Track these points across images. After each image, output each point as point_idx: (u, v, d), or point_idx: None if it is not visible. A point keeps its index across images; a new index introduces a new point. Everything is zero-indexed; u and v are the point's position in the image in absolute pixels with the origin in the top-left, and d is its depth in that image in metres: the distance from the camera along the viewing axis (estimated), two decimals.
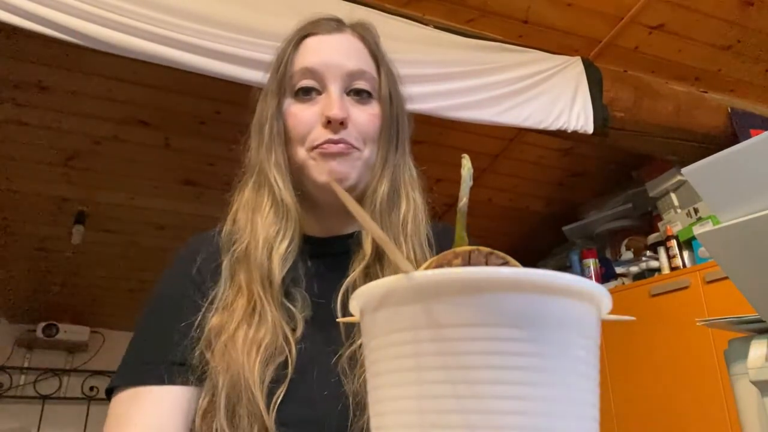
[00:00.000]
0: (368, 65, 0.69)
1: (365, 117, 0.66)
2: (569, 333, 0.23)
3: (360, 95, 0.67)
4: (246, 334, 0.58)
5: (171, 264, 0.69)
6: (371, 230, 0.26)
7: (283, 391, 0.57)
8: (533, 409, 0.22)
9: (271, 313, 0.60)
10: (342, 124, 0.64)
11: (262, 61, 1.45)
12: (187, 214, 2.61)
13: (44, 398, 3.37)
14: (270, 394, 0.57)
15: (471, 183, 0.31)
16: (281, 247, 0.63)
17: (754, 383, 0.78)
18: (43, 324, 3.32)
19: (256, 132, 0.69)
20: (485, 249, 0.29)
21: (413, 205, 0.68)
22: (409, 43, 1.69)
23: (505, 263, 0.28)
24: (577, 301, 0.24)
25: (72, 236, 2.54)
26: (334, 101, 0.64)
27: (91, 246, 2.73)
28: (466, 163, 0.31)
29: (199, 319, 0.61)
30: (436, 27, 1.80)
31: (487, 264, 0.27)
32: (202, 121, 2.17)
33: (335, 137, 0.63)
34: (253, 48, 1.49)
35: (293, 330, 0.61)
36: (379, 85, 0.69)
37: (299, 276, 0.65)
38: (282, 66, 0.68)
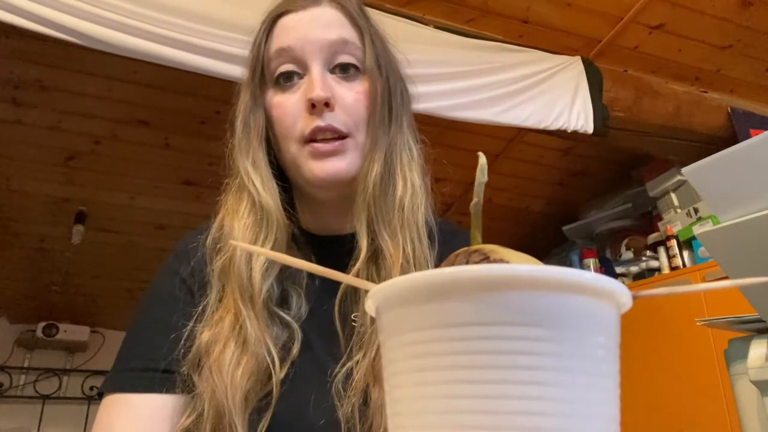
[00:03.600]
0: (350, 35, 0.62)
1: (352, 97, 0.60)
2: (588, 332, 0.23)
3: (346, 71, 0.61)
4: (232, 357, 0.55)
5: (164, 263, 0.65)
6: (314, 270, 0.28)
7: (266, 424, 0.53)
8: (552, 409, 0.22)
9: (254, 335, 0.55)
10: (327, 105, 0.58)
11: None
12: (187, 214, 2.61)
13: (44, 398, 3.36)
14: (253, 426, 0.53)
15: (485, 180, 0.30)
16: (261, 260, 0.58)
17: (754, 383, 0.78)
18: (43, 324, 3.32)
19: (238, 132, 0.64)
20: (471, 248, 0.28)
21: (411, 188, 0.62)
22: (409, 43, 1.69)
23: (485, 258, 0.27)
24: (595, 298, 0.23)
25: (72, 236, 2.54)
26: (315, 81, 0.58)
27: (91, 246, 2.73)
28: (480, 161, 0.30)
29: (188, 329, 0.57)
30: (436, 27, 1.80)
31: (467, 263, 0.27)
32: (202, 121, 2.17)
33: (322, 124, 0.58)
34: None
35: (285, 349, 0.57)
36: (364, 56, 0.62)
37: (297, 276, 0.61)
38: (255, 51, 0.63)
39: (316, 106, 0.58)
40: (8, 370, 3.35)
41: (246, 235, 0.59)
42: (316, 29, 0.61)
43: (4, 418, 3.28)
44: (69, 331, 3.38)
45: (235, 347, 0.55)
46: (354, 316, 0.59)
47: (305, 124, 0.59)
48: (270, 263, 0.58)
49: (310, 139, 0.59)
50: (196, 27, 1.45)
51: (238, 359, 0.54)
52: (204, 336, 0.56)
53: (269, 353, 0.55)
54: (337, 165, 0.59)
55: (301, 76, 0.61)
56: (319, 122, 0.58)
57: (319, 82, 0.58)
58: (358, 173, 0.61)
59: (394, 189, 0.61)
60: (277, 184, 0.63)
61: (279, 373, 0.55)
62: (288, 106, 0.60)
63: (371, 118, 0.61)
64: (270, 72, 0.62)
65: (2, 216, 2.55)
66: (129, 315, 0.66)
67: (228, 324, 0.56)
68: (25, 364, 3.43)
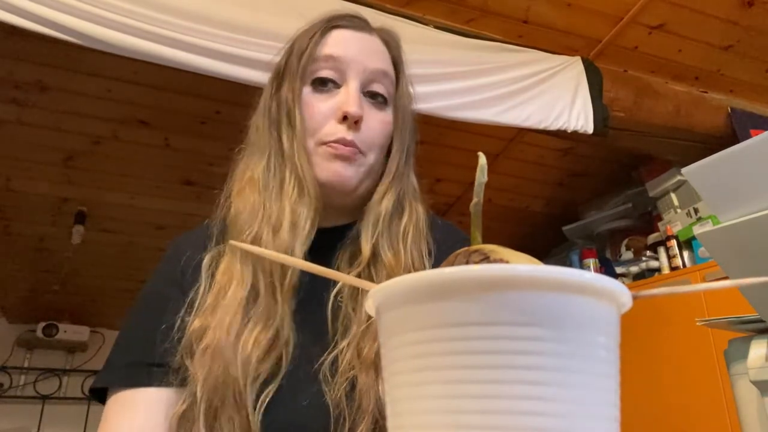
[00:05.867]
0: (389, 69, 0.69)
1: (376, 123, 0.66)
2: (588, 331, 0.23)
3: (375, 98, 0.67)
4: (242, 328, 0.57)
5: (157, 266, 0.68)
6: (320, 272, 0.30)
7: (272, 391, 0.55)
8: (553, 409, 0.22)
9: (280, 307, 0.58)
10: (357, 123, 0.63)
11: (263, 61, 1.44)
12: (187, 214, 2.61)
13: (44, 398, 3.36)
14: (258, 394, 0.55)
15: (485, 180, 0.30)
16: (303, 235, 0.61)
17: (754, 383, 0.78)
18: (43, 324, 3.32)
19: (272, 112, 0.67)
20: (471, 248, 0.28)
21: (415, 215, 0.68)
22: (409, 43, 1.68)
23: (485, 258, 0.27)
24: (595, 298, 0.23)
25: (72, 236, 2.54)
26: (353, 97, 0.63)
27: (91, 246, 2.73)
28: (480, 161, 0.30)
29: (179, 321, 0.59)
30: (436, 27, 1.80)
31: (467, 263, 0.27)
32: (202, 121, 2.17)
33: (348, 137, 0.63)
34: (254, 48, 1.48)
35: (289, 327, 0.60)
36: (395, 93, 0.69)
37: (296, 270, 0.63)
38: (307, 49, 0.66)
39: (347, 119, 0.63)
40: (8, 370, 3.36)
41: (294, 215, 0.62)
42: (363, 52, 0.67)
43: (4, 418, 3.28)
44: (69, 331, 3.38)
45: (245, 320, 0.57)
46: (339, 298, 0.62)
47: (331, 131, 0.63)
48: (308, 243, 0.62)
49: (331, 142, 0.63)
50: (196, 27, 1.45)
51: (251, 330, 0.57)
52: (196, 323, 0.58)
53: (284, 327, 0.58)
54: (345, 171, 0.63)
55: (336, 86, 0.66)
56: (344, 135, 0.63)
57: (356, 99, 0.63)
58: (370, 195, 0.67)
59: (401, 216, 0.67)
60: None
61: (290, 350, 0.58)
62: (320, 108, 0.64)
63: (394, 147, 0.68)
64: (310, 71, 0.66)
65: (2, 216, 2.55)
66: None
67: (238, 298, 0.58)
68: (25, 364, 3.43)
